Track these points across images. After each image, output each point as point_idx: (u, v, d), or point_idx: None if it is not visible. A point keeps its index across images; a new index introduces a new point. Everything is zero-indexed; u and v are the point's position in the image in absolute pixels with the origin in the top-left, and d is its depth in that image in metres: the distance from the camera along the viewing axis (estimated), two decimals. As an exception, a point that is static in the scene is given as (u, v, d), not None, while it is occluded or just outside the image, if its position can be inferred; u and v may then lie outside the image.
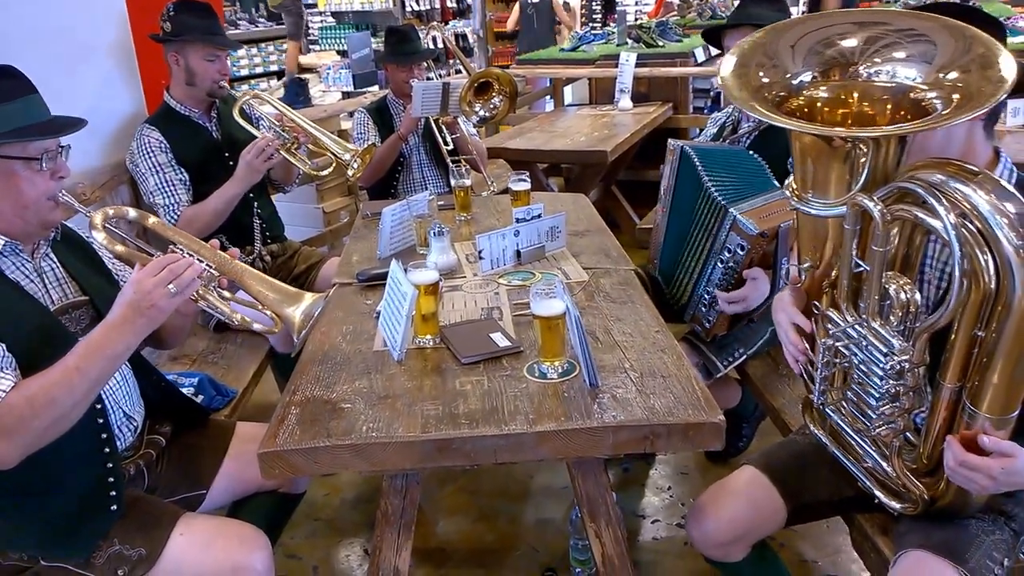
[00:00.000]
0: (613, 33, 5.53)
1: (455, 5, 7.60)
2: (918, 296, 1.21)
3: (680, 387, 1.51)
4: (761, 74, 1.31)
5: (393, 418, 1.45)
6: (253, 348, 2.54)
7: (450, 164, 3.06)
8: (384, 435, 1.39)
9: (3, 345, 1.34)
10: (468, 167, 2.71)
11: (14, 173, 1.41)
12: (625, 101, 4.61)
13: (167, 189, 2.53)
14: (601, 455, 1.47)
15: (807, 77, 1.29)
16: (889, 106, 1.23)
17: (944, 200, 1.09)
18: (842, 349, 1.34)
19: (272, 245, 2.83)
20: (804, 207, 1.33)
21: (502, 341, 1.70)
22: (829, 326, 1.37)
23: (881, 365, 1.25)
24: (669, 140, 2.35)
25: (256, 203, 2.76)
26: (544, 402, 1.48)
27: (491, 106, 3.18)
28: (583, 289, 2.01)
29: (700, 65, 4.89)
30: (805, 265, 1.42)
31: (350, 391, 1.55)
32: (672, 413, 1.42)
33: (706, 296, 2.09)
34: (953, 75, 1.20)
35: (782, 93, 1.28)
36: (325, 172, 2.70)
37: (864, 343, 1.29)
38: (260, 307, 1.52)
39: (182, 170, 2.57)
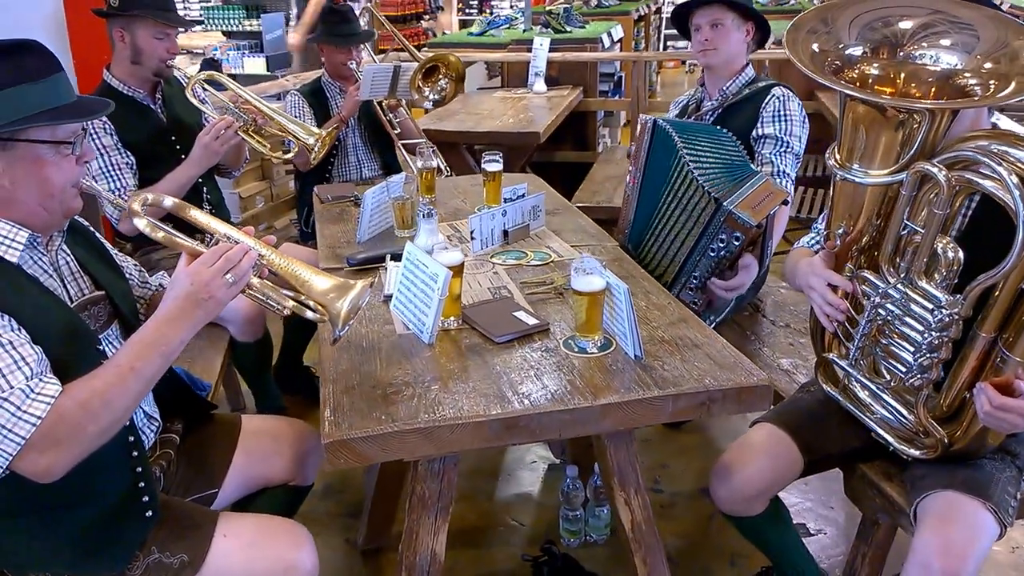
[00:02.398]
0: (517, 18, 5.58)
1: (344, -15, 7.37)
2: (962, 254, 1.33)
3: (718, 354, 1.58)
4: (814, 44, 1.40)
5: (451, 400, 1.43)
6: (213, 340, 2.41)
7: (408, 146, 3.01)
8: (452, 417, 1.38)
9: (39, 348, 1.22)
10: (435, 148, 2.67)
11: (41, 158, 1.28)
12: (540, 84, 4.67)
13: (112, 173, 2.35)
14: (659, 423, 1.51)
15: (857, 52, 1.39)
16: (933, 89, 1.34)
17: (1004, 163, 1.22)
18: (880, 310, 1.45)
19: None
20: (849, 175, 1.43)
21: (528, 319, 1.71)
22: (866, 287, 1.48)
23: (926, 319, 1.37)
24: (640, 115, 2.43)
25: (205, 188, 2.61)
26: (595, 376, 1.51)
27: (439, 88, 3.15)
28: (580, 266, 2.05)
29: (607, 51, 5.03)
30: (840, 231, 1.52)
31: (393, 376, 1.52)
32: (723, 379, 1.48)
33: (694, 281, 2.15)
34: (989, 65, 1.33)
35: (836, 63, 1.38)
36: (289, 155, 2.59)
37: (907, 300, 1.40)
38: (302, 296, 1.44)
39: (128, 153, 2.39)
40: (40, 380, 1.18)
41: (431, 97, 3.17)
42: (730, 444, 1.78)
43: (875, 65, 1.37)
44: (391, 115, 3.27)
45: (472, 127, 3.83)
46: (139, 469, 1.39)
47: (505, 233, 2.20)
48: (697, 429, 2.80)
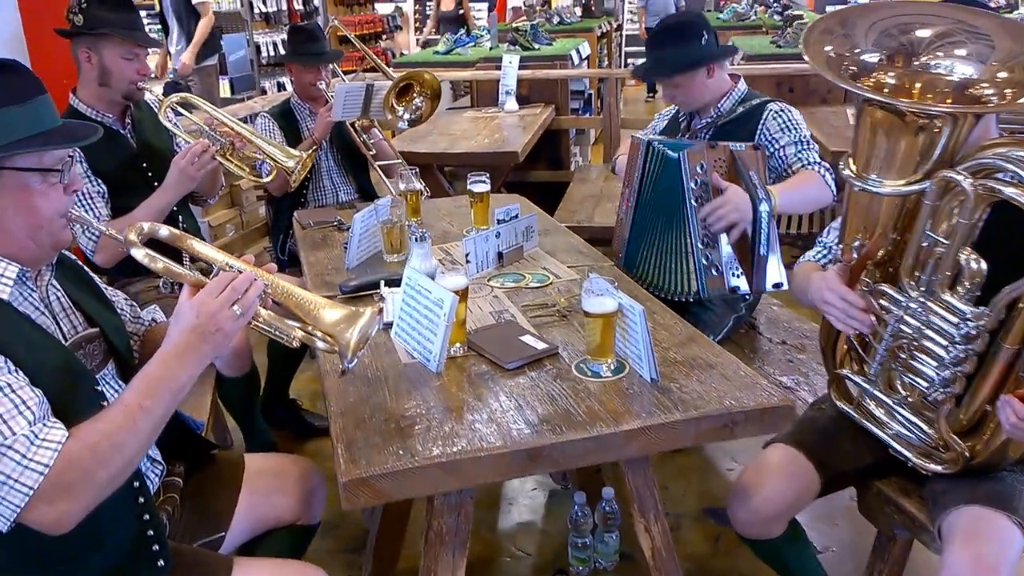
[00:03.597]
0: (482, 36, 5.56)
1: (302, 8, 7.30)
2: (985, 265, 1.32)
3: (733, 374, 1.55)
4: (827, 46, 1.39)
5: (468, 431, 1.37)
6: (201, 375, 2.30)
7: (384, 167, 2.95)
8: (473, 449, 1.32)
9: (39, 391, 1.14)
10: (417, 170, 2.61)
11: (27, 187, 1.21)
12: (511, 103, 4.65)
13: (84, 203, 2.25)
14: (681, 447, 1.47)
15: (873, 59, 1.38)
16: (949, 99, 1.33)
17: None
18: (902, 325, 1.43)
19: (200, 262, 2.59)
20: (866, 186, 1.42)
21: (537, 344, 1.66)
22: (885, 302, 1.46)
23: (950, 333, 1.36)
24: (632, 135, 2.40)
25: (180, 216, 2.52)
26: (613, 401, 1.46)
27: (414, 107, 3.10)
28: (582, 287, 2.01)
29: (576, 68, 5.04)
30: (855, 243, 1.50)
31: (404, 408, 1.46)
32: (744, 400, 1.45)
33: (700, 244, 2.12)
34: (1004, 74, 1.33)
35: (852, 68, 1.37)
36: (267, 179, 2.51)
37: (930, 314, 1.39)
38: (307, 326, 1.37)
39: (99, 181, 2.29)
40: (44, 425, 1.11)
41: (405, 117, 3.11)
42: (745, 466, 1.74)
43: (891, 74, 1.36)
44: (365, 136, 3.21)
45: (447, 148, 3.78)
46: (146, 516, 1.31)
47: (500, 255, 2.16)
48: (694, 450, 2.76)
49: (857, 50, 1.41)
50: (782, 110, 2.33)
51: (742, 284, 2.18)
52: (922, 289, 1.41)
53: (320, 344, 1.33)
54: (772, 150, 2.28)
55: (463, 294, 1.65)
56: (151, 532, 1.31)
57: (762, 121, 2.32)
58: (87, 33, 2.24)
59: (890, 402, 1.57)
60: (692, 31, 2.31)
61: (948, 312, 1.36)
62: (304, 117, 3.26)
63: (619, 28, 9.84)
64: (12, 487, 1.06)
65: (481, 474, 1.33)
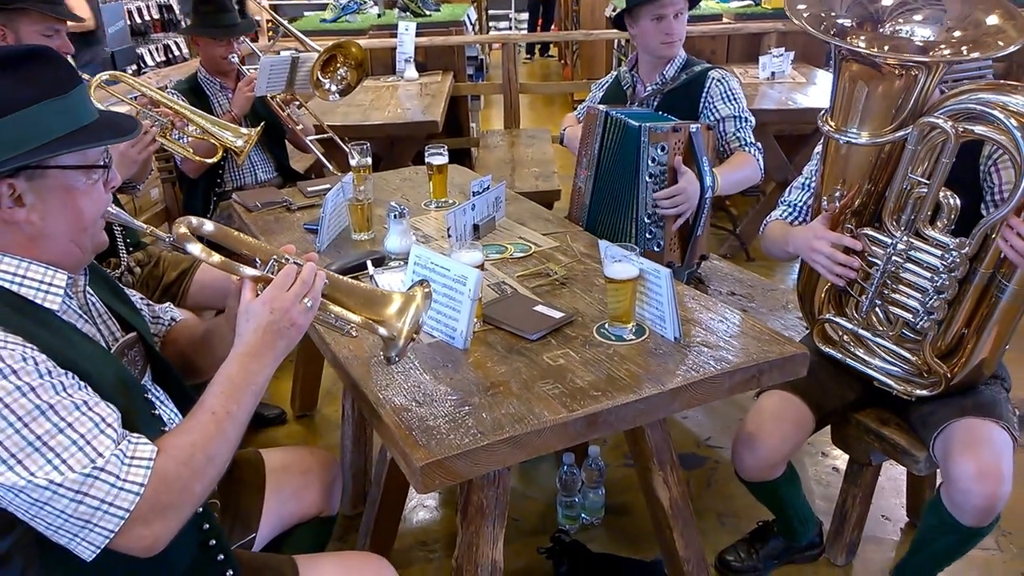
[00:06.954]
0: (365, 2, 5.40)
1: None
2: (959, 200, 1.50)
3: (743, 326, 1.64)
4: (801, 4, 1.50)
5: (523, 405, 1.39)
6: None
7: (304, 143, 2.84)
8: (538, 422, 1.34)
9: (112, 405, 1.06)
10: (367, 144, 2.53)
11: (72, 188, 1.10)
12: (411, 71, 4.56)
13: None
14: (715, 400, 1.55)
15: (847, 23, 1.50)
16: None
17: (999, 110, 1.38)
18: (889, 263, 1.59)
19: (136, 253, 2.42)
20: (848, 138, 1.56)
21: (553, 312, 1.69)
22: (869, 244, 1.62)
23: (934, 265, 1.53)
24: (589, 106, 2.44)
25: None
26: (649, 363, 1.52)
27: (339, 78, 3.00)
28: (565, 253, 2.05)
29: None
30: (836, 194, 1.63)
31: (449, 388, 1.45)
32: (766, 350, 1.54)
33: (647, 219, 2.18)
34: (958, 33, 1.49)
35: (833, 28, 1.50)
36: (212, 160, 2.36)
37: (914, 249, 1.56)
38: (356, 314, 1.32)
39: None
40: (129, 442, 1.03)
41: (333, 89, 3.02)
42: (748, 414, 1.85)
43: (862, 37, 1.50)
44: (289, 110, 3.08)
45: (363, 120, 3.67)
46: (206, 526, 1.24)
47: (476, 227, 2.16)
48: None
49: (833, 13, 1.53)
50: (723, 78, 2.43)
51: (676, 259, 2.28)
52: (904, 228, 1.56)
53: (382, 331, 1.30)
54: (712, 120, 2.38)
55: (480, 269, 1.65)
56: (214, 541, 1.25)
57: (705, 89, 2.41)
58: (2, 8, 2.02)
59: (874, 338, 1.72)
60: None
61: (933, 246, 1.53)
62: (215, 93, 3.08)
63: (485, -8, 9.79)
64: (106, 512, 0.99)
65: (544, 444, 1.35)
